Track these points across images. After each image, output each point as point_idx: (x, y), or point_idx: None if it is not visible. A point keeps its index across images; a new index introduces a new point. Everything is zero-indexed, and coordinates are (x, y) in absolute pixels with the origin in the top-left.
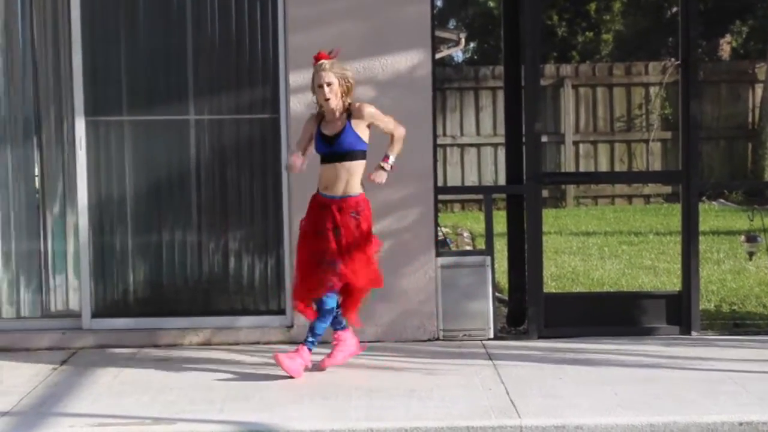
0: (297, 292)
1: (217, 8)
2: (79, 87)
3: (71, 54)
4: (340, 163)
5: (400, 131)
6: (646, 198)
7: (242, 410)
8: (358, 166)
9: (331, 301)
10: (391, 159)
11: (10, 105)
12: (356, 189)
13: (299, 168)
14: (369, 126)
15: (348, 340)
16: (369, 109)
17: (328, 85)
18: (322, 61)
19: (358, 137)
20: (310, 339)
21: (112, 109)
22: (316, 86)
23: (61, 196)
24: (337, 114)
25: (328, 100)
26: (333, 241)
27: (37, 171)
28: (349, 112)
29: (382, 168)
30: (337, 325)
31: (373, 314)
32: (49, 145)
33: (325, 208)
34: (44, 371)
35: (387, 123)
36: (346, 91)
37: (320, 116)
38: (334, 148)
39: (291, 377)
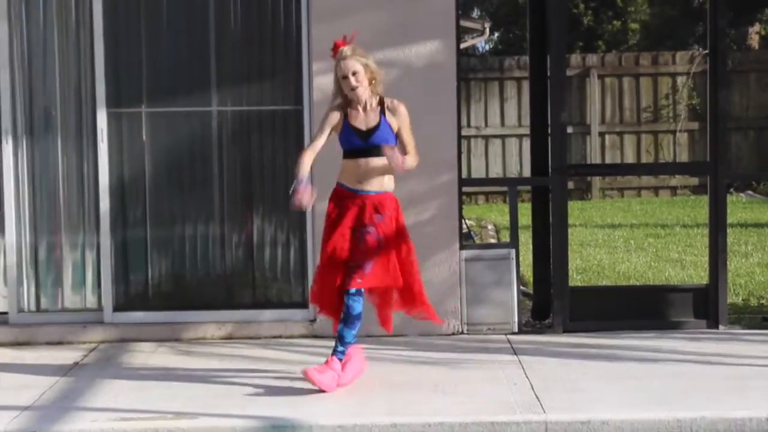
0: (316, 293)
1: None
2: (101, 79)
3: (93, 46)
4: (377, 158)
5: (416, 159)
6: (673, 190)
7: (265, 405)
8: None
9: (358, 305)
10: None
11: (32, 97)
12: (391, 184)
13: (307, 205)
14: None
15: (357, 355)
16: (404, 115)
17: (354, 74)
18: (342, 48)
19: (392, 133)
20: (340, 349)
21: (133, 100)
22: (341, 77)
23: (82, 187)
24: (368, 105)
25: (355, 89)
26: (365, 238)
27: (58, 163)
28: (382, 106)
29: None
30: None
31: None
32: (71, 138)
33: (352, 204)
34: (66, 365)
35: (411, 137)
36: (373, 80)
37: (344, 108)
38: (370, 142)
39: (323, 391)
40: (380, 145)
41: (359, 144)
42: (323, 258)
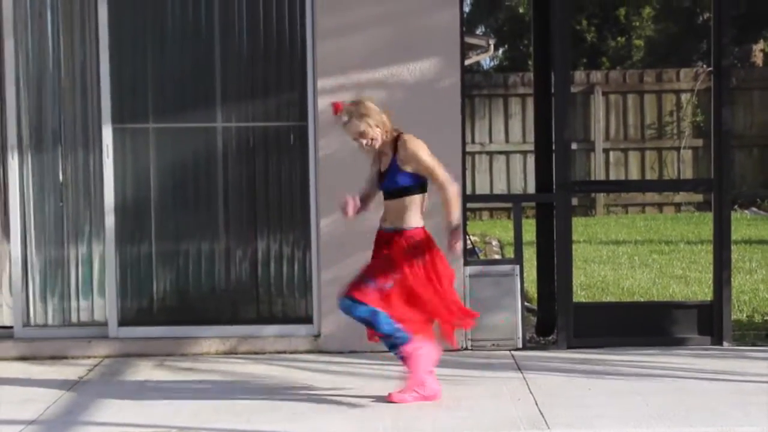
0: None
1: (245, 16)
2: (107, 94)
3: (99, 62)
4: (389, 201)
5: (453, 190)
6: (677, 206)
7: (268, 421)
8: (411, 201)
9: (363, 310)
10: (455, 222)
11: (39, 112)
12: (412, 223)
13: (351, 214)
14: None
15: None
16: (412, 151)
17: (361, 135)
18: (340, 114)
19: (405, 174)
20: (393, 340)
21: (139, 116)
22: (352, 139)
23: (88, 203)
24: (384, 148)
25: (367, 147)
26: (376, 260)
27: (64, 178)
28: (396, 144)
29: (454, 237)
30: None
31: None
32: (76, 153)
33: (381, 241)
34: (71, 379)
35: (432, 170)
36: (383, 128)
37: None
38: (384, 185)
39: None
40: (392, 188)
41: (378, 186)
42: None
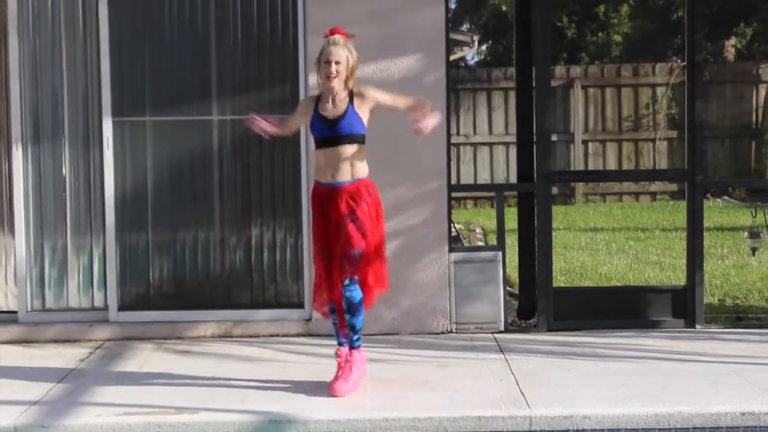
0: (318, 297)
1: (239, 13)
2: (107, 89)
3: (99, 57)
4: (341, 147)
5: (415, 98)
6: (653, 195)
7: (262, 401)
8: (360, 150)
9: (356, 293)
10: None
11: (42, 107)
12: (364, 172)
13: (268, 129)
14: (372, 110)
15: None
16: (371, 91)
17: (337, 63)
18: (336, 35)
19: (360, 120)
20: (355, 338)
21: (138, 110)
22: (323, 61)
23: (88, 193)
24: (338, 96)
25: (330, 77)
26: (346, 229)
27: (65, 169)
28: (351, 96)
29: (433, 118)
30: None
31: (389, 307)
32: (78, 146)
33: (330, 199)
34: (72, 362)
35: (395, 99)
36: (350, 74)
37: (317, 98)
38: (336, 131)
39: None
40: (347, 133)
41: (324, 133)
42: (317, 262)
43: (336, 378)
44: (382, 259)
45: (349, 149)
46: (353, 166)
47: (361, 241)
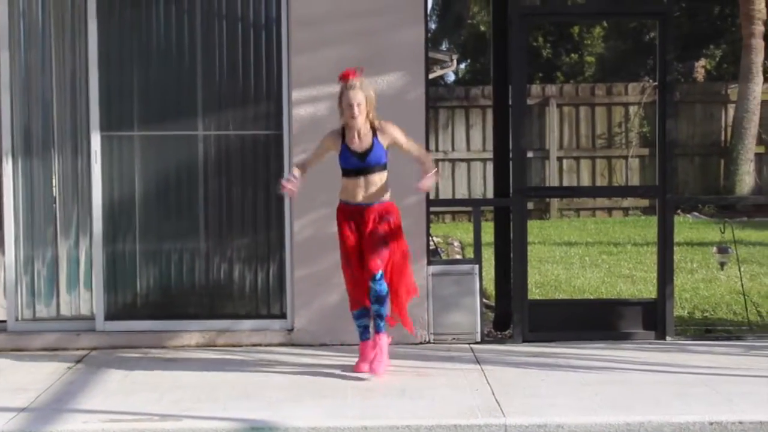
0: (355, 297)
1: (225, 32)
2: (95, 104)
3: (88, 72)
4: (371, 175)
5: (423, 149)
6: (625, 211)
7: (245, 408)
8: (385, 176)
9: (383, 287)
10: (433, 167)
11: (32, 120)
12: (389, 195)
13: (294, 190)
14: (389, 146)
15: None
16: (394, 131)
17: (358, 105)
18: (352, 80)
19: (385, 152)
20: (381, 324)
21: (125, 124)
22: (345, 105)
23: (77, 205)
24: (362, 130)
25: (355, 118)
26: (377, 231)
27: (55, 182)
28: (374, 129)
29: (431, 178)
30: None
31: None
32: (67, 158)
33: (357, 216)
34: (59, 370)
35: (409, 144)
36: (371, 109)
37: (341, 133)
38: (366, 162)
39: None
40: (375, 164)
41: (356, 164)
42: (353, 263)
43: (373, 360)
44: (408, 270)
45: (378, 177)
46: (381, 190)
47: (391, 242)
